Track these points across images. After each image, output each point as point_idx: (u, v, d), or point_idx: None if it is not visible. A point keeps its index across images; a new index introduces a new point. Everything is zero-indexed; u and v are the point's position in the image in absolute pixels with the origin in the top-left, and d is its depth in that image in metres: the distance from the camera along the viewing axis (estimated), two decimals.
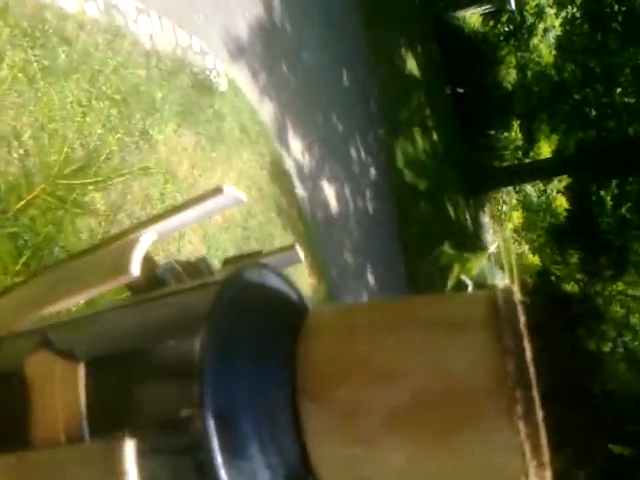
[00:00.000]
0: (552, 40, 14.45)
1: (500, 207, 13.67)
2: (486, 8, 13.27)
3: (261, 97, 5.89)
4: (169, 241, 3.83)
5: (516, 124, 13.79)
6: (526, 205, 14.40)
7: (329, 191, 6.97)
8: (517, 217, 14.02)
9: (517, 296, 0.60)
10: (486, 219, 13.59)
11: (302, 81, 6.83)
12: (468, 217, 12.45)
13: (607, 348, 14.37)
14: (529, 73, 14.60)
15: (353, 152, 7.99)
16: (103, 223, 2.66)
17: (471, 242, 12.44)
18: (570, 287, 14.78)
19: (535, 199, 14.48)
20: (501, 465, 0.56)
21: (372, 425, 0.59)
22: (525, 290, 13.77)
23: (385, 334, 0.63)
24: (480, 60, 12.82)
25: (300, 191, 6.17)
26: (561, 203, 14.80)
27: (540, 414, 0.54)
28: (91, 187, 2.22)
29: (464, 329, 0.59)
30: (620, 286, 15.46)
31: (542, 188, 14.69)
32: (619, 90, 13.97)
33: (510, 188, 13.59)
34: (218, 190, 0.86)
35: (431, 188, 10.51)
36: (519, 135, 13.75)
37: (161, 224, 0.83)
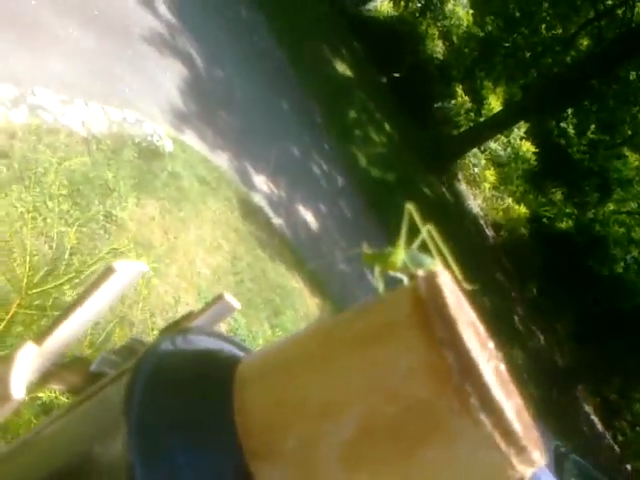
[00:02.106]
0: (464, 0, 14.67)
1: (472, 171, 13.74)
2: None
3: (210, 144, 5.92)
4: (166, 309, 3.81)
5: (459, 89, 13.92)
6: (496, 161, 14.49)
7: (304, 212, 6.99)
8: (491, 175, 14.10)
9: (441, 277, 0.54)
10: (463, 187, 13.65)
11: (244, 118, 6.87)
12: (445, 191, 12.50)
13: (620, 269, 14.42)
14: (454, 38, 14.78)
15: (315, 168, 8.03)
16: None
17: (457, 213, 12.47)
18: (564, 224, 14.84)
19: (502, 153, 14.58)
20: (484, 464, 0.51)
21: (331, 469, 0.54)
22: (523, 241, 13.82)
23: (317, 366, 0.57)
24: (404, 41, 12.97)
25: (276, 220, 6.18)
26: (528, 148, 14.92)
27: (500, 396, 0.49)
28: (66, 286, 2.21)
29: (393, 334, 0.53)
30: (611, 206, 15.56)
31: (505, 140, 14.80)
32: (544, 26, 14.15)
33: (475, 150, 13.67)
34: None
35: (400, 177, 10.56)
36: (466, 98, 13.88)
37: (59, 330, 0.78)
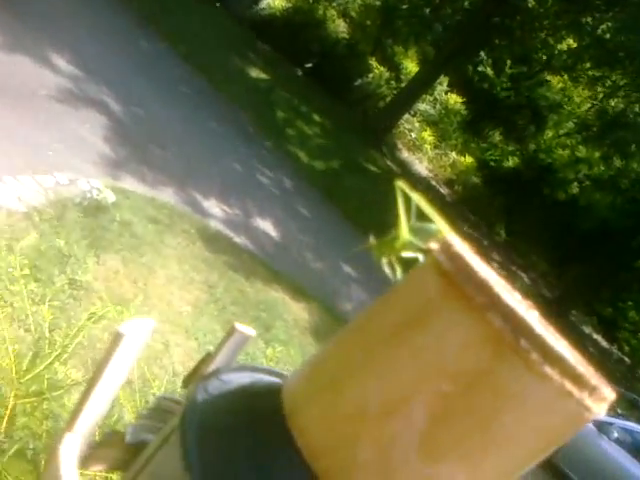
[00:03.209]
0: None
1: (409, 137, 13.82)
2: None
3: (151, 183, 5.79)
4: (159, 357, 3.69)
5: (374, 62, 13.99)
6: (429, 120, 14.61)
7: (263, 223, 6.90)
8: (429, 136, 14.21)
9: (455, 244, 0.52)
10: (405, 154, 13.73)
11: (177, 148, 6.74)
12: (390, 163, 12.55)
13: (575, 190, 14.69)
14: (353, 14, 14.84)
15: (260, 177, 7.95)
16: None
17: (407, 182, 12.52)
18: (512, 162, 15.05)
19: (433, 111, 14.71)
20: (560, 413, 0.50)
21: (413, 466, 0.52)
22: (478, 190, 13.98)
23: (365, 370, 0.55)
24: (307, 30, 12.96)
25: (239, 239, 6.08)
26: (455, 100, 15.08)
27: (559, 338, 0.48)
28: (55, 364, 2.10)
29: (432, 315, 0.51)
30: (549, 133, 15.83)
31: (432, 99, 14.94)
32: None
33: (407, 116, 13.76)
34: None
35: (344, 161, 10.55)
36: (382, 69, 13.95)
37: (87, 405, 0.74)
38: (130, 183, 5.53)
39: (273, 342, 4.84)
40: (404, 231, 0.68)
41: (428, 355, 0.51)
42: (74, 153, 5.27)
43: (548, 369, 0.47)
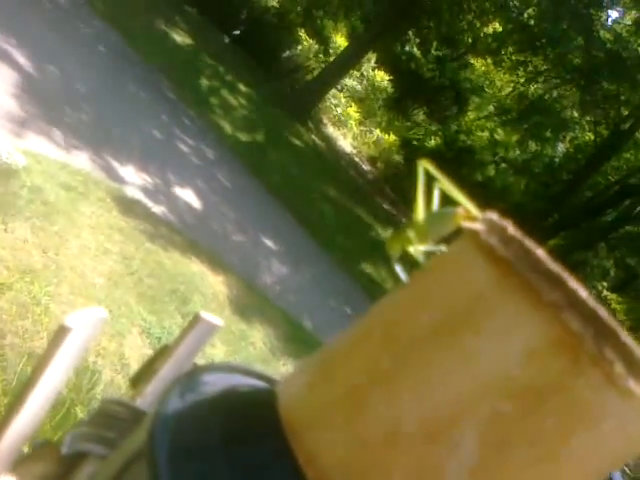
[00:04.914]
0: None
1: (335, 112, 13.80)
2: None
3: (64, 148, 5.51)
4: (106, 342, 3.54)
5: (303, 34, 13.82)
6: (355, 97, 14.62)
7: (183, 193, 6.73)
8: (354, 112, 14.23)
9: (504, 224, 0.43)
10: (330, 129, 13.71)
11: (93, 111, 6.44)
12: (314, 137, 12.50)
13: (492, 172, 15.13)
14: None
15: (181, 146, 7.72)
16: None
17: (331, 157, 12.54)
18: (433, 142, 15.30)
19: (359, 87, 14.72)
20: (636, 435, 0.43)
21: None
22: (399, 168, 14.16)
23: (397, 383, 0.44)
24: None
25: (157, 209, 5.90)
26: (382, 77, 15.14)
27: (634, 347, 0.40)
28: None
29: (486, 313, 0.41)
30: (471, 115, 16.19)
31: (358, 75, 14.94)
32: None
33: (333, 91, 13.71)
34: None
35: (269, 134, 10.42)
36: (311, 42, 13.81)
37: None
38: (41, 146, 5.24)
39: (190, 316, 4.74)
40: (421, 218, 0.57)
41: (481, 364, 0.41)
42: None
43: (632, 383, 0.39)
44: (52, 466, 0.66)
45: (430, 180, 0.56)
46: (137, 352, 3.89)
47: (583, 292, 0.39)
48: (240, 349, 4.96)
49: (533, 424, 0.40)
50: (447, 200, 0.55)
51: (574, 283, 0.39)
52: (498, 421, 0.40)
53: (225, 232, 6.91)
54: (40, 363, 0.64)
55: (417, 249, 0.55)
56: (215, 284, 5.57)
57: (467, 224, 0.46)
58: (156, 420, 0.51)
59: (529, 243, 0.41)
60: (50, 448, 0.67)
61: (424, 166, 0.56)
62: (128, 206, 5.44)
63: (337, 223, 9.82)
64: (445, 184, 0.54)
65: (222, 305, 5.37)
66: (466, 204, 0.52)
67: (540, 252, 0.41)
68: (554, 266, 0.40)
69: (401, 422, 0.42)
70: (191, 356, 0.78)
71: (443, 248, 0.53)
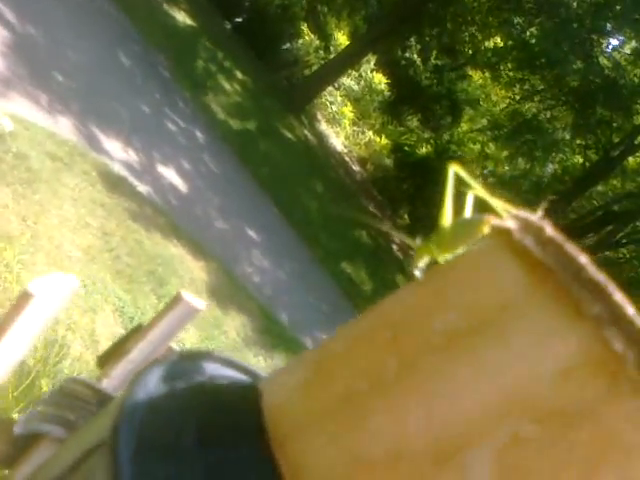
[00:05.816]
0: None
1: (330, 109, 13.75)
2: None
3: (52, 116, 5.40)
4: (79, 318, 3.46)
5: (305, 28, 13.75)
6: (351, 96, 14.58)
7: (170, 174, 6.64)
8: (349, 111, 14.20)
9: (548, 226, 0.38)
10: (323, 126, 13.66)
11: (86, 82, 6.33)
12: (307, 132, 12.45)
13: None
14: None
15: (172, 126, 7.63)
16: None
17: (322, 153, 12.50)
18: (424, 149, 15.30)
19: (356, 87, 14.69)
20: None
21: None
22: (389, 172, 14.15)
23: (406, 396, 0.39)
24: None
25: (143, 188, 5.82)
26: (379, 80, 15.12)
27: None
28: None
29: (504, 322, 0.36)
30: (464, 127, 16.23)
31: (357, 75, 14.91)
32: None
33: (330, 88, 13.66)
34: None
35: (261, 124, 10.34)
36: (312, 36, 13.75)
37: None
38: (31, 111, 5.13)
39: (166, 298, 4.68)
40: (447, 224, 0.53)
41: (504, 381, 0.36)
42: None
43: None
44: (2, 446, 0.60)
45: (459, 185, 0.53)
46: (108, 330, 3.82)
47: (630, 308, 0.35)
48: (213, 336, 4.90)
49: (558, 454, 0.35)
50: (479, 207, 0.51)
51: (620, 297, 0.35)
52: (519, 447, 0.35)
53: (209, 218, 6.84)
54: None
55: (443, 257, 0.51)
56: (194, 269, 5.50)
57: (497, 221, 0.41)
58: (123, 409, 0.45)
59: (570, 247, 0.37)
60: (2, 426, 0.61)
61: (455, 169, 0.52)
62: (113, 182, 5.35)
63: (321, 220, 9.78)
64: (478, 189, 0.51)
65: (199, 291, 5.30)
66: (502, 210, 0.48)
67: (583, 258, 0.36)
68: (599, 275, 0.35)
69: (405, 439, 0.37)
70: (166, 339, 0.73)
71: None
